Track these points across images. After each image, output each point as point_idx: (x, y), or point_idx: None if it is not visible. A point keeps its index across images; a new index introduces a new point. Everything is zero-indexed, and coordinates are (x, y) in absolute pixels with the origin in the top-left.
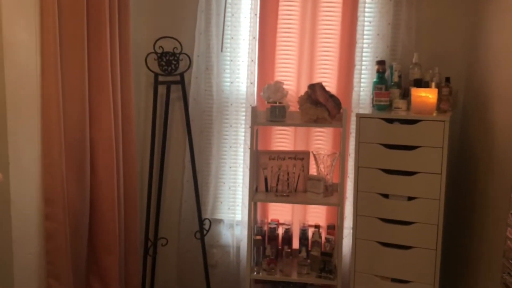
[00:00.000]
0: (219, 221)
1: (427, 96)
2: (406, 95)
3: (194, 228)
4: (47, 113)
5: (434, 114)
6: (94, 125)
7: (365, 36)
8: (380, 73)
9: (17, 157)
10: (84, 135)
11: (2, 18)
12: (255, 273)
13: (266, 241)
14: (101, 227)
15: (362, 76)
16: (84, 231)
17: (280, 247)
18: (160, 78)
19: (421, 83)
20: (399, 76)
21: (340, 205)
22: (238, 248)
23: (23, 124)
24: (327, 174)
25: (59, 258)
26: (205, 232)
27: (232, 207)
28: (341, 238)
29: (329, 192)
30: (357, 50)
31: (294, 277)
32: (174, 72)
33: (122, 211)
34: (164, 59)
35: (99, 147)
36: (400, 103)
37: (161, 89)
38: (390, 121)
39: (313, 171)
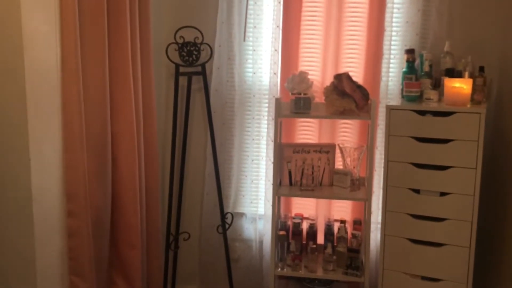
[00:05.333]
0: (242, 214)
1: (461, 86)
2: (437, 85)
3: (216, 222)
4: (68, 107)
5: (468, 106)
6: (115, 119)
7: (393, 24)
8: (410, 63)
9: (38, 153)
10: (105, 129)
11: (21, 11)
12: (280, 269)
13: (290, 236)
14: (123, 221)
15: (391, 65)
16: (106, 226)
17: (304, 242)
18: (181, 69)
19: (453, 73)
20: (430, 66)
21: (368, 200)
22: (261, 242)
23: (44, 119)
24: (353, 168)
25: (81, 255)
26: (227, 226)
27: (255, 201)
28: (369, 233)
29: (356, 187)
30: (385, 38)
31: (320, 273)
32: (195, 62)
33: (144, 205)
34: (185, 50)
35: (120, 140)
36: (432, 94)
37: (182, 81)
38: (422, 113)
39: (339, 164)
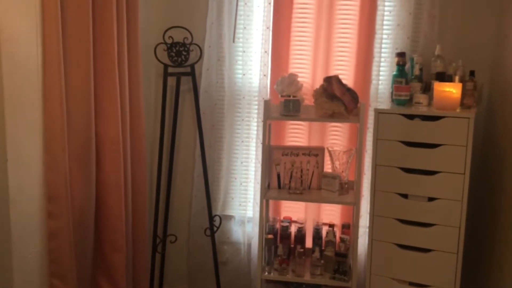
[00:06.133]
0: (230, 217)
1: (450, 91)
2: (427, 89)
3: (204, 224)
4: (49, 107)
5: (458, 110)
6: (100, 120)
7: (384, 27)
8: (400, 66)
9: (16, 153)
10: (89, 130)
11: None
12: (266, 273)
13: (278, 240)
14: (107, 224)
15: (381, 68)
16: (90, 229)
17: (292, 246)
18: (170, 70)
19: (443, 77)
20: (420, 69)
21: (356, 204)
22: (249, 245)
23: (23, 119)
24: (342, 172)
25: (62, 257)
26: (215, 228)
27: (244, 204)
28: (357, 238)
29: (345, 190)
30: (376, 41)
31: (307, 278)
32: (184, 63)
33: (130, 207)
34: (174, 50)
35: (105, 142)
36: (421, 98)
37: (171, 81)
38: (410, 117)
39: (328, 168)
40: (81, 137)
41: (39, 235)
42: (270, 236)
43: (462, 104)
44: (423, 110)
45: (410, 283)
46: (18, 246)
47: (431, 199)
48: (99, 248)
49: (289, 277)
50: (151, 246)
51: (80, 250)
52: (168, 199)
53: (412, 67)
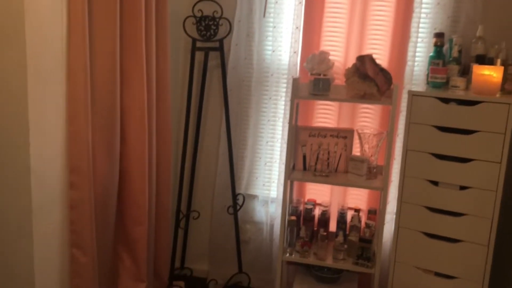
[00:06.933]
0: (254, 197)
1: (490, 74)
2: (466, 72)
3: (228, 202)
4: (73, 78)
5: (498, 96)
6: (125, 93)
7: (423, 5)
8: (438, 47)
9: (39, 123)
10: (114, 103)
11: None
12: (288, 255)
13: (301, 222)
14: (130, 197)
15: (418, 49)
16: (112, 201)
17: (315, 229)
18: (198, 44)
19: (484, 60)
20: (459, 51)
21: (384, 190)
22: (272, 226)
23: (46, 89)
24: (371, 155)
25: (83, 228)
26: (238, 207)
27: (268, 184)
28: (383, 224)
29: (373, 175)
30: (414, 20)
31: (329, 262)
32: (213, 37)
33: (154, 181)
34: (203, 24)
35: (130, 115)
36: (459, 81)
37: (199, 56)
38: (446, 101)
39: (356, 151)
40: (106, 109)
41: (60, 205)
42: (293, 217)
43: (503, 89)
44: (459, 94)
45: (436, 274)
46: (38, 216)
47: (463, 187)
48: (121, 221)
49: (311, 260)
50: (174, 221)
51: (101, 222)
52: (192, 175)
53: (451, 48)
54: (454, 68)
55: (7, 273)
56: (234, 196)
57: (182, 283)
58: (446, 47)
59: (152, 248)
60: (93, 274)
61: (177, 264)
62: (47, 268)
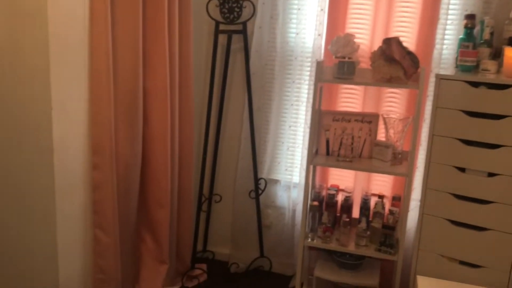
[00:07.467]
0: (276, 181)
1: None
2: (497, 55)
3: (250, 187)
4: (96, 59)
5: None
6: (148, 74)
7: None
8: (468, 29)
9: (61, 103)
10: (137, 85)
11: None
12: (309, 240)
13: (324, 207)
14: (152, 179)
15: (447, 32)
16: (135, 183)
17: (338, 215)
18: (222, 27)
19: None
20: (491, 33)
21: (409, 176)
22: (294, 211)
23: (68, 71)
24: (396, 141)
25: (105, 209)
26: (260, 192)
27: (290, 169)
28: (407, 211)
29: (398, 161)
30: (443, 1)
31: (351, 248)
32: (236, 20)
33: (177, 164)
34: (226, 6)
35: (153, 97)
36: (490, 64)
37: (222, 39)
38: (475, 84)
39: (381, 136)
40: (128, 91)
41: (83, 186)
42: (315, 203)
43: None
44: (490, 77)
45: (461, 262)
46: (61, 196)
47: (491, 174)
48: (144, 203)
49: (333, 245)
50: (196, 205)
51: (124, 203)
52: (215, 158)
53: (482, 30)
54: (485, 51)
55: (31, 253)
56: (256, 180)
57: (204, 266)
58: (477, 29)
59: (174, 231)
60: (116, 254)
61: (199, 247)
62: (70, 248)
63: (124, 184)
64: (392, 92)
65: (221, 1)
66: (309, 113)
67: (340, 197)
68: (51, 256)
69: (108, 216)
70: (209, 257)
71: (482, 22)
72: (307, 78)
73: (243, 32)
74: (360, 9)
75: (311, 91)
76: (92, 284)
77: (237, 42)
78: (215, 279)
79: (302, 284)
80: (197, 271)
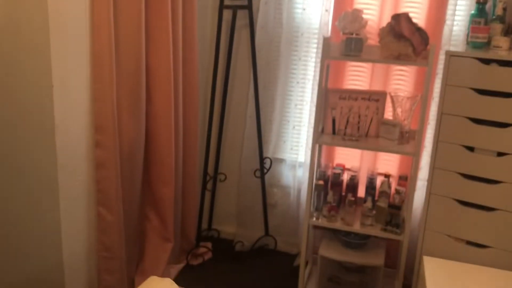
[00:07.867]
0: (281, 160)
1: None
2: (510, 32)
3: (255, 166)
4: (97, 37)
5: None
6: (151, 52)
7: None
8: (480, 4)
9: (62, 80)
10: (139, 63)
11: None
12: (315, 219)
13: (329, 186)
14: (156, 159)
15: (458, 7)
16: (139, 161)
17: (343, 194)
18: (226, 2)
19: None
20: (504, 9)
21: (416, 155)
22: (299, 190)
23: (69, 47)
24: (404, 119)
25: (109, 187)
26: (265, 171)
27: (296, 148)
28: (413, 191)
29: (405, 140)
30: None
31: (356, 227)
32: None
33: (181, 142)
34: None
35: (156, 75)
36: (502, 41)
37: (227, 15)
38: (486, 61)
39: (388, 114)
40: (131, 68)
41: (86, 164)
42: (321, 182)
43: None
44: (502, 54)
45: (468, 242)
46: (64, 174)
47: (500, 154)
48: (148, 181)
49: (338, 225)
50: (201, 183)
51: (128, 181)
52: (220, 137)
53: (494, 6)
54: (497, 27)
55: (34, 230)
56: (262, 159)
57: (209, 244)
58: (489, 4)
59: (179, 209)
60: (120, 232)
61: (204, 225)
62: (74, 225)
63: (127, 162)
64: (401, 70)
65: None
66: (316, 91)
67: (345, 176)
68: (55, 233)
69: (111, 194)
70: (214, 236)
71: None
72: (314, 55)
73: (249, 7)
74: None
75: (318, 68)
76: (96, 261)
77: (242, 18)
78: (220, 257)
79: (306, 263)
80: (202, 249)
